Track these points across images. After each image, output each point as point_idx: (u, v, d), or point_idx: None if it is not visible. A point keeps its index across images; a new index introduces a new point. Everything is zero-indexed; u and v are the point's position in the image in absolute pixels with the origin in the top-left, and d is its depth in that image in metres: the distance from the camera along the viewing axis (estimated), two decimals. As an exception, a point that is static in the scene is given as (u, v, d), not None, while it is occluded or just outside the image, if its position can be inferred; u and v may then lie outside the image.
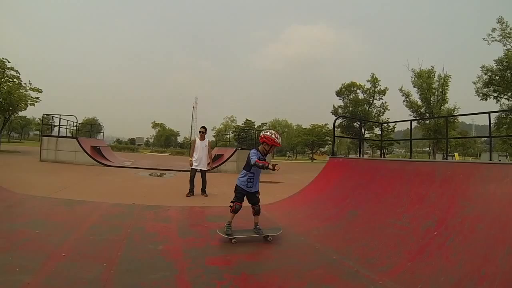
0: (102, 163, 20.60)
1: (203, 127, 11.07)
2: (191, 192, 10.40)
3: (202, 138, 10.75)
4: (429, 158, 53.29)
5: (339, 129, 61.96)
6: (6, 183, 9.20)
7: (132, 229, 5.72)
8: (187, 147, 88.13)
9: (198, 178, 10.55)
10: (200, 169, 10.59)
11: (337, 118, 26.54)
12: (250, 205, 5.66)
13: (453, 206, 4.67)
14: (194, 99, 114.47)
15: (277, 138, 5.53)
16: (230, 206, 5.51)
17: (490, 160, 10.79)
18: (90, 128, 35.72)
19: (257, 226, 5.62)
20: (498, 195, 4.31)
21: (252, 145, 28.15)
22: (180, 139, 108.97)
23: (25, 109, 34.77)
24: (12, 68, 31.35)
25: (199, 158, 10.55)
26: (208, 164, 10.92)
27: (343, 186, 7.39)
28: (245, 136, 46.20)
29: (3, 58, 30.56)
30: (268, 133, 5.58)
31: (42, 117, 24.99)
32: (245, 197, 5.62)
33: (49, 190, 9.45)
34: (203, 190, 10.54)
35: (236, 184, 5.62)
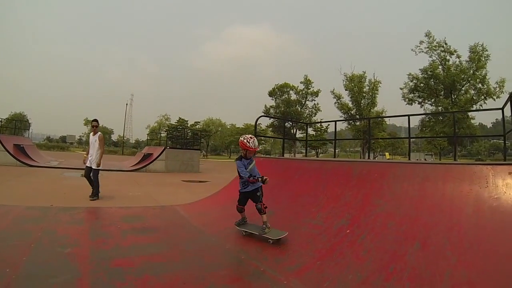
0: (26, 163, 19.26)
1: (95, 120, 9.74)
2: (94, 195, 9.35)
3: (94, 133, 9.63)
4: (360, 158, 55.38)
5: (270, 128, 62.96)
6: None
7: (43, 233, 5.41)
8: (121, 146, 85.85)
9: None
10: (91, 167, 9.37)
11: (259, 117, 26.41)
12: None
13: (367, 205, 4.77)
14: (130, 96, 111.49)
15: (249, 142, 5.44)
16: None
17: (409, 159, 11.25)
18: (15, 124, 33.46)
19: (263, 226, 5.33)
20: (410, 192, 4.48)
21: (184, 144, 27.83)
22: (114, 137, 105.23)
23: None
24: None
25: (90, 154, 9.46)
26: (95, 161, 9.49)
27: (262, 186, 7.38)
28: (178, 135, 45.49)
29: None
30: (242, 138, 5.58)
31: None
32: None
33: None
34: (94, 194, 9.32)
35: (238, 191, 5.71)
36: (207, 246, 5.25)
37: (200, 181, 16.05)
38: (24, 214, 6.73)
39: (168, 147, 21.58)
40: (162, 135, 48.46)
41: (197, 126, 74.83)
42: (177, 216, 6.58)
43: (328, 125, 55.57)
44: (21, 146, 21.27)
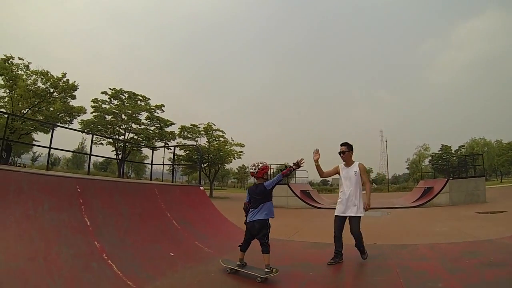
0: (313, 205, 21.70)
1: (344, 143, 6.62)
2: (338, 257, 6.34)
3: (348, 163, 6.59)
4: None
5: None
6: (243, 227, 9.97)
7: (400, 269, 5.77)
8: (380, 183, 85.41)
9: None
10: (348, 216, 6.32)
11: None
12: None
13: None
14: (379, 132, 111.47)
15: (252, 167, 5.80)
16: None
17: None
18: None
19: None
20: None
21: (451, 173, 26.45)
22: (372, 175, 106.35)
23: (231, 162, 40.55)
24: (218, 129, 39.67)
25: (345, 194, 6.40)
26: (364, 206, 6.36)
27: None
28: (443, 164, 43.40)
29: (209, 123, 39.20)
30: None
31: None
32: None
33: (285, 233, 10.22)
34: (361, 251, 6.43)
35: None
36: None
37: (493, 212, 15.10)
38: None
39: (451, 178, 20.95)
40: (427, 165, 46.99)
41: (460, 151, 67.92)
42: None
43: None
44: (307, 191, 23.89)
